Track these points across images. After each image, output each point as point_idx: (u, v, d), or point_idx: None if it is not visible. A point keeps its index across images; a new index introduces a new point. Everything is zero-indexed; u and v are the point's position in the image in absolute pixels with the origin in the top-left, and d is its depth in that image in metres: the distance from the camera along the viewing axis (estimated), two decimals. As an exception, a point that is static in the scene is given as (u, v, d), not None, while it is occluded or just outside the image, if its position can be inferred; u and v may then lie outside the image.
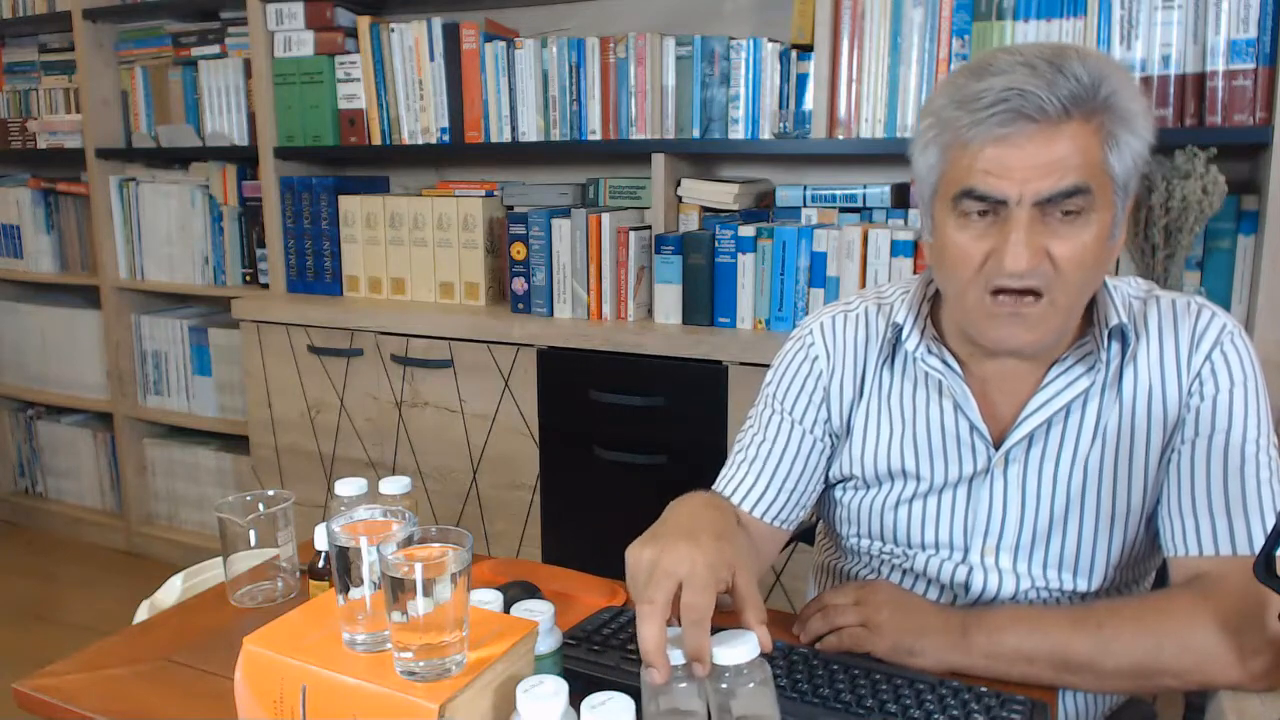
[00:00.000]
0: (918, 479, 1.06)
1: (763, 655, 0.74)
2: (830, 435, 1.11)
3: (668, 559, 0.80)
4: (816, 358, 1.11)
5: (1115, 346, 0.99)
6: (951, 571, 1.05)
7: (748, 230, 2.10)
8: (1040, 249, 0.88)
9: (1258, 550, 0.85)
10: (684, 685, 0.74)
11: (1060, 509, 1.01)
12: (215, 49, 2.75)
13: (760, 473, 1.09)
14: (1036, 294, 0.90)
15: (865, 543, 1.12)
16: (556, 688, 0.70)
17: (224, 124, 2.73)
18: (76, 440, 3.21)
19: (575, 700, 0.70)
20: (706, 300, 2.15)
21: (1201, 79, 1.76)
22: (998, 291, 0.91)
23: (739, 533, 0.94)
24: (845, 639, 0.95)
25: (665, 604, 0.77)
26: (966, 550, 1.04)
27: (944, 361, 1.03)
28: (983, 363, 1.02)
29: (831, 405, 1.10)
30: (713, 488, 1.12)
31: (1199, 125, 1.77)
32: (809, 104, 2.06)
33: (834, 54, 1.99)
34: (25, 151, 3.12)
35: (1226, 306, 1.83)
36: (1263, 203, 1.74)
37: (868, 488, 1.10)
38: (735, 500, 1.10)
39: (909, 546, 1.08)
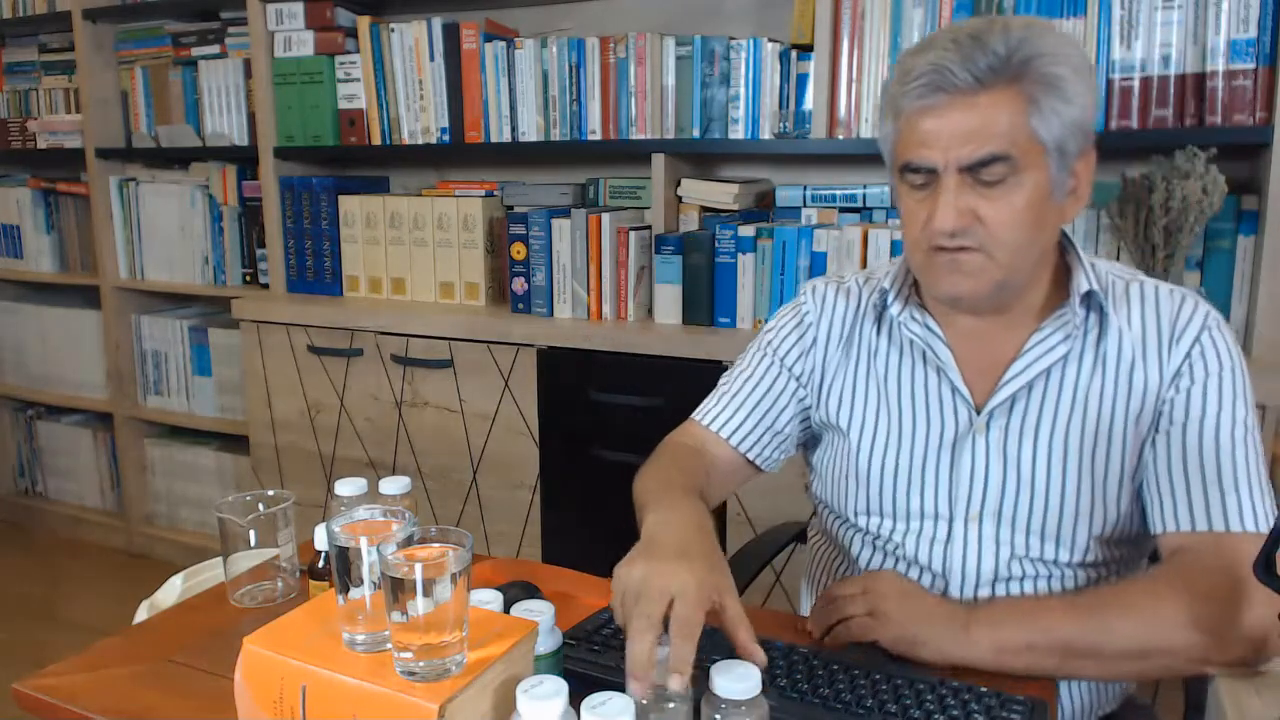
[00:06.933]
0: (899, 436, 1.09)
1: (761, 674, 0.75)
2: (814, 385, 1.17)
3: (659, 577, 0.82)
4: (808, 312, 1.19)
5: (1093, 317, 1.03)
6: (929, 550, 1.07)
7: (748, 230, 2.10)
8: (968, 210, 0.95)
9: (1234, 522, 0.94)
10: (673, 705, 0.74)
11: (1041, 474, 1.04)
12: (215, 49, 2.75)
13: (741, 404, 1.18)
14: (971, 250, 0.97)
15: (850, 517, 1.13)
16: (556, 688, 0.70)
17: (224, 124, 2.73)
18: (76, 440, 3.21)
19: (575, 700, 0.70)
20: (706, 300, 2.15)
21: (1201, 79, 1.76)
22: (937, 249, 0.98)
23: (722, 557, 0.94)
24: (854, 628, 0.97)
25: (658, 620, 0.78)
26: (951, 519, 1.06)
27: (925, 326, 1.08)
28: (957, 322, 1.07)
29: (817, 355, 1.17)
30: (692, 416, 1.21)
31: (1199, 125, 1.77)
32: (809, 104, 2.06)
33: (834, 54, 1.99)
34: (25, 151, 3.12)
35: (1226, 306, 1.83)
36: (1263, 203, 1.74)
37: (848, 436, 1.13)
38: (713, 426, 1.19)
39: (895, 518, 1.09)
